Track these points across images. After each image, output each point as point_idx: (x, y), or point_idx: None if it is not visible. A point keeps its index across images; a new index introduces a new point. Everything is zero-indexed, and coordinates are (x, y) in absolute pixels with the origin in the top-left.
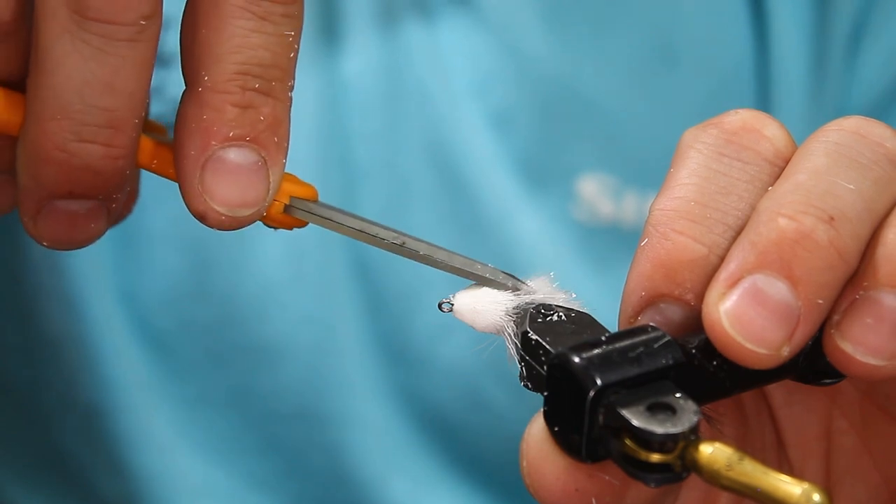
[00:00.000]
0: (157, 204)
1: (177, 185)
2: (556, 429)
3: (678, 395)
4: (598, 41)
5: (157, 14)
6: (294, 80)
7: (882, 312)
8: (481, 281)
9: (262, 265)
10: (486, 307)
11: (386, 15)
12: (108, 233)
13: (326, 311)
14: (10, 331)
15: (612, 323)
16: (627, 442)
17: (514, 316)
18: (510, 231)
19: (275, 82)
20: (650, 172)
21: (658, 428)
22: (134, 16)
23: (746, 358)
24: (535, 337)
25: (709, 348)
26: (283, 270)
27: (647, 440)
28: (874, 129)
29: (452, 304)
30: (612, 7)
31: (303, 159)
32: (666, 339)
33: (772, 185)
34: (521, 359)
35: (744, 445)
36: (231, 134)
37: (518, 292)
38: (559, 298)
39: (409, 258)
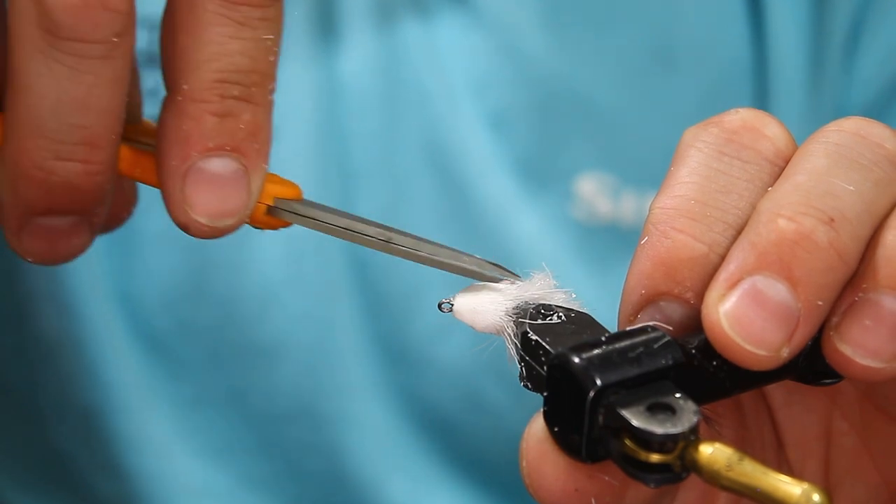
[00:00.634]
0: (155, 205)
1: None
2: (555, 429)
3: (678, 395)
4: (597, 41)
5: (130, 30)
6: (275, 83)
7: (881, 315)
8: (467, 273)
9: (261, 266)
10: (485, 307)
11: (383, 14)
12: (105, 235)
13: (326, 312)
14: (7, 332)
15: (611, 322)
16: (627, 442)
17: (514, 316)
18: (509, 231)
19: (254, 88)
20: (649, 171)
21: (658, 428)
22: (106, 33)
23: (746, 359)
24: (534, 337)
25: (709, 348)
26: (283, 271)
27: (646, 440)
28: (874, 130)
29: (452, 305)
30: (610, 7)
31: (300, 159)
32: (666, 339)
33: (772, 185)
34: (521, 359)
35: (743, 446)
36: (211, 144)
37: (517, 292)
38: (558, 298)
39: (396, 255)
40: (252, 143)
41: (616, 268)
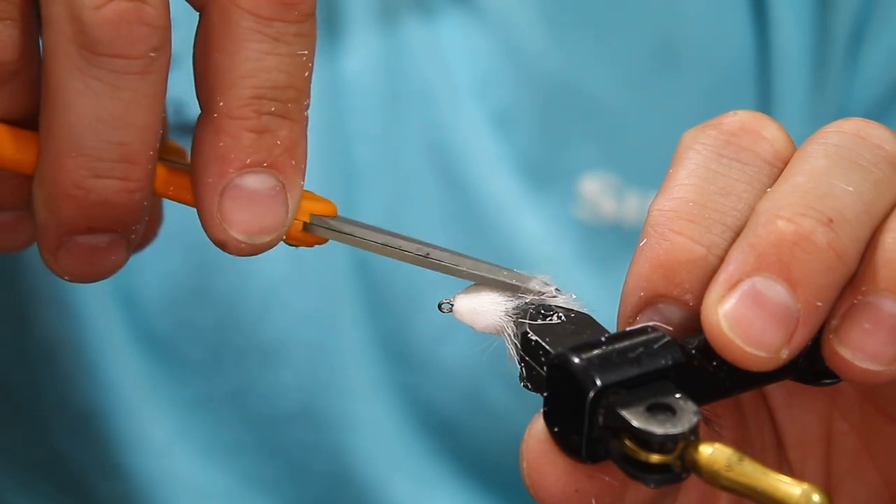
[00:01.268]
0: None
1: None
2: (555, 429)
3: (678, 395)
4: (600, 40)
5: (166, 45)
6: (310, 98)
7: (880, 318)
8: (509, 288)
9: (263, 266)
10: (485, 308)
11: (386, 14)
12: None
13: (328, 312)
14: (7, 333)
15: (613, 322)
16: (627, 442)
17: (514, 316)
18: (512, 231)
19: (291, 104)
20: (652, 171)
21: (658, 428)
22: (143, 48)
23: (745, 361)
24: (534, 337)
25: (708, 349)
26: (284, 271)
27: (646, 441)
28: (874, 132)
29: (452, 305)
30: (613, 6)
31: None
32: (665, 339)
33: (771, 187)
34: (521, 359)
35: (743, 446)
36: (248, 160)
37: (518, 293)
38: (559, 300)
39: (434, 269)
40: (289, 160)
41: (619, 268)
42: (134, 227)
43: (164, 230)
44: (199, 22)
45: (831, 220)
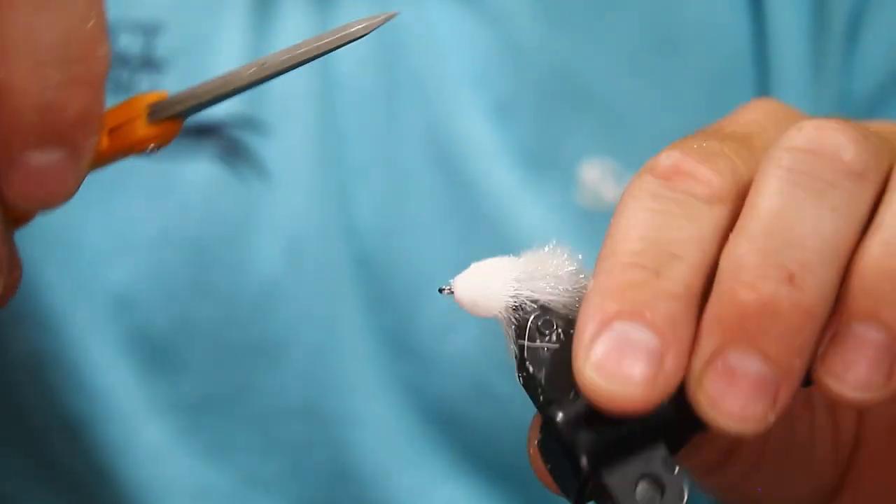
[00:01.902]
0: (152, 205)
1: (164, 175)
2: (549, 466)
3: (668, 463)
4: (597, 27)
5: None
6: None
7: (862, 347)
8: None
9: (261, 261)
10: (487, 293)
11: (380, 6)
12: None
13: (328, 307)
14: None
15: None
16: None
17: (514, 312)
18: (513, 220)
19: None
20: (652, 156)
21: None
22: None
23: (738, 436)
24: (529, 369)
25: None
26: (283, 268)
27: None
28: (828, 141)
29: (453, 285)
30: None
31: (297, 157)
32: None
33: (724, 222)
34: (520, 367)
35: (814, 445)
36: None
37: (521, 270)
38: (565, 272)
39: (279, 73)
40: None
41: None
42: (85, 140)
43: (160, 230)
44: None
45: (792, 277)
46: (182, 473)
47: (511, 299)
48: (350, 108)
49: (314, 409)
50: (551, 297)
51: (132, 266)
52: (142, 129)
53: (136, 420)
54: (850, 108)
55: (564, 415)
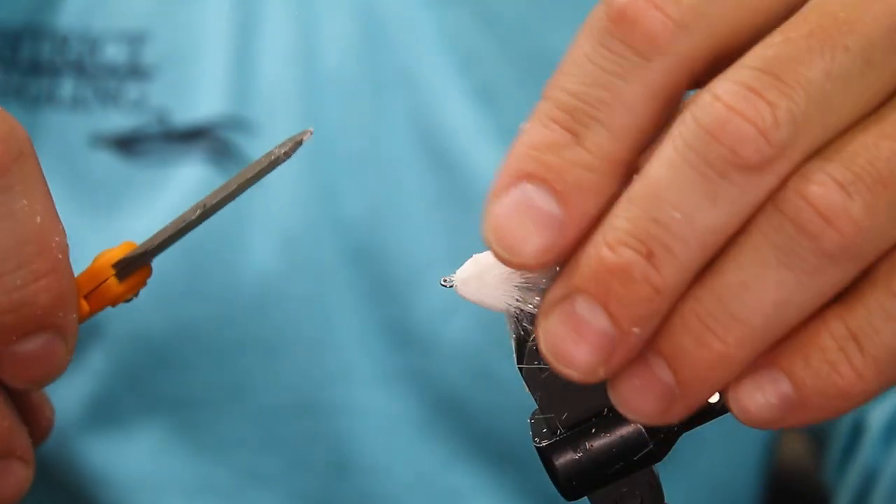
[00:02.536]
0: (146, 207)
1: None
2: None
3: (654, 485)
4: (578, 5)
5: None
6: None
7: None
8: (270, 165)
9: (255, 259)
10: (488, 285)
11: (360, 2)
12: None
13: (324, 300)
14: None
15: None
16: None
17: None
18: None
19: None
20: None
21: None
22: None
23: (569, 375)
24: (525, 390)
25: None
26: (277, 263)
27: None
28: (733, 128)
29: (455, 279)
30: None
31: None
32: (644, 439)
33: (667, 76)
34: (519, 354)
35: None
36: None
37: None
38: None
39: (221, 207)
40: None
41: None
42: (64, 319)
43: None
44: None
45: (651, 255)
46: (182, 471)
47: (514, 288)
48: (335, 102)
49: (313, 403)
50: None
51: None
52: (115, 287)
53: (137, 419)
54: None
55: (560, 467)
